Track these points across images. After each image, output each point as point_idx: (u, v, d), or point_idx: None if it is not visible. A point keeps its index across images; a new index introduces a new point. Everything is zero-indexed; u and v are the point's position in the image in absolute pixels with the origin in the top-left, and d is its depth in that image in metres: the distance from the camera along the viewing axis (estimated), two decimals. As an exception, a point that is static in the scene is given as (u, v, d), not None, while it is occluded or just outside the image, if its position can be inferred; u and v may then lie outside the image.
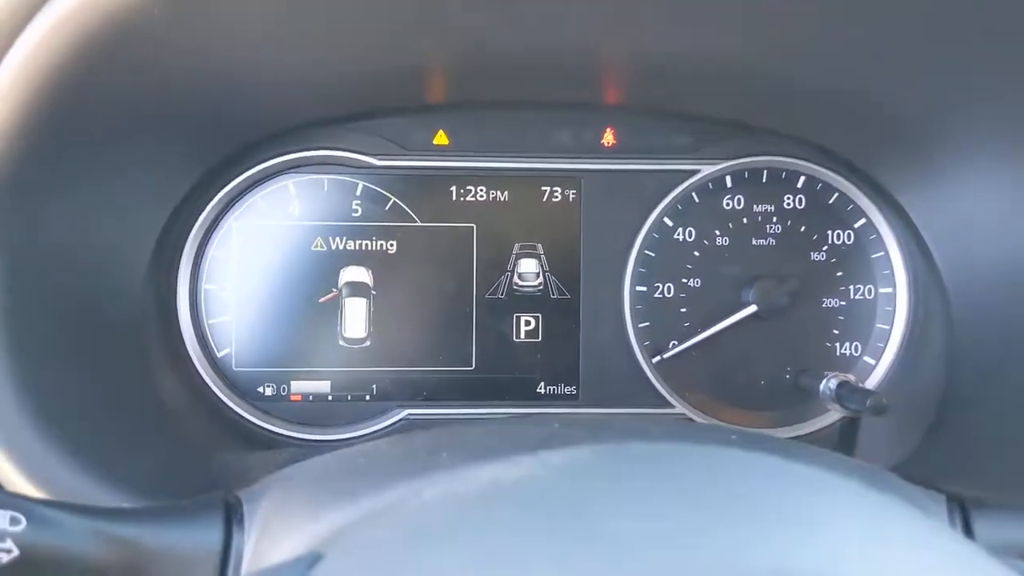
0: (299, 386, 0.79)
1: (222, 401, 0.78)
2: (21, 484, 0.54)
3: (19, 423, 0.54)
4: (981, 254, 0.72)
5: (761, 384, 0.81)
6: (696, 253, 0.81)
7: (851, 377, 0.78)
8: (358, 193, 0.80)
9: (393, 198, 0.80)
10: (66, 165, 0.59)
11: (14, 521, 0.45)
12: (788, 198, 0.81)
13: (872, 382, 0.80)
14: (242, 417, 0.78)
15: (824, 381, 0.78)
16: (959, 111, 0.66)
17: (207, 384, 0.77)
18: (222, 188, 0.78)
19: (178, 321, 0.77)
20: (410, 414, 0.79)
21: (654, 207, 0.80)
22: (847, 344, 0.81)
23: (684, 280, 0.81)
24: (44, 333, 0.59)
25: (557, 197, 0.81)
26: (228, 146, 0.75)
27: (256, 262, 0.79)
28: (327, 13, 0.59)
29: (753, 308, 0.79)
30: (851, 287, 0.81)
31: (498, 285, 0.81)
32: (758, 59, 0.68)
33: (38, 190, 0.58)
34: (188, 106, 0.65)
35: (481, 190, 0.81)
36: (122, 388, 0.67)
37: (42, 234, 0.59)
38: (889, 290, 0.81)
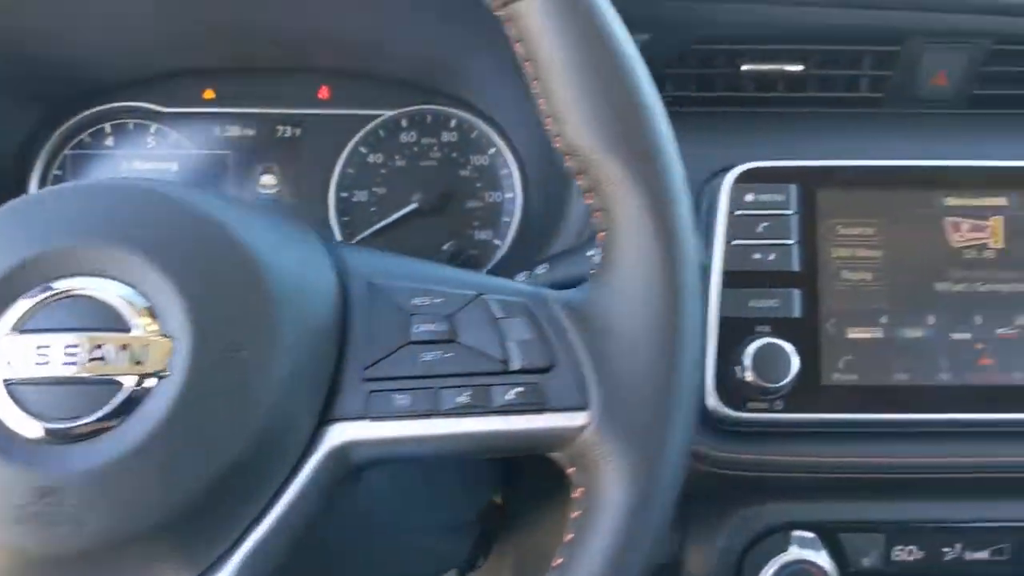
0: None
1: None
2: None
3: None
4: (535, 146, 1.12)
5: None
6: (383, 171, 1.19)
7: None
8: (152, 131, 1.19)
9: (176, 133, 1.19)
10: None
11: None
12: (445, 134, 1.20)
13: (498, 256, 1.19)
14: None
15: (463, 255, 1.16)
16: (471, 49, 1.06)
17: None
18: (56, 129, 1.17)
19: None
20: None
21: (352, 138, 1.19)
22: (484, 232, 1.19)
23: (374, 189, 1.19)
24: None
25: (288, 133, 1.20)
26: (60, 96, 1.14)
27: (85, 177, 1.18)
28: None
29: (416, 205, 1.17)
30: (487, 193, 1.19)
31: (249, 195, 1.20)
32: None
33: None
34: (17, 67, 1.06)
35: (236, 128, 1.20)
36: None
37: None
38: (511, 195, 1.19)
